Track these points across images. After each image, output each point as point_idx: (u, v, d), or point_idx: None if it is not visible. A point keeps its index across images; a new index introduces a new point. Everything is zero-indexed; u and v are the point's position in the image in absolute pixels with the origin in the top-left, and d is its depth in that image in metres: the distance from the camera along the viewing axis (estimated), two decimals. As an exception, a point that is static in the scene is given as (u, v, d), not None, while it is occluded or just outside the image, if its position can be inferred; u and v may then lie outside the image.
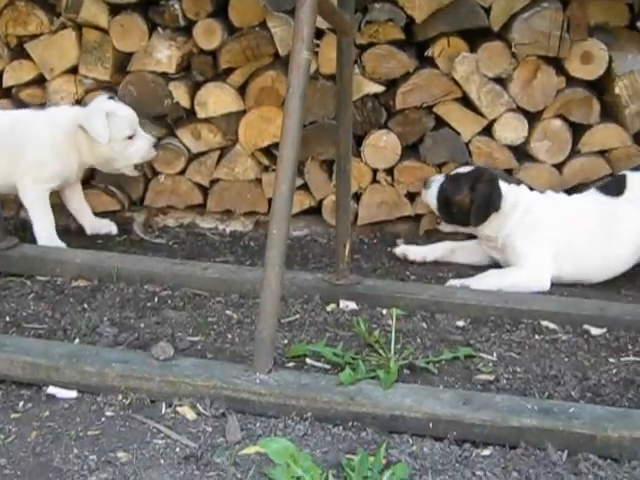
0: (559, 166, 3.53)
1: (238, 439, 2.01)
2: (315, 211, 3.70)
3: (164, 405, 2.12)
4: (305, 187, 3.67)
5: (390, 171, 3.58)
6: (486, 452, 2.01)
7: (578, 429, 2.02)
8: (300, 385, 2.15)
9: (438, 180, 3.30)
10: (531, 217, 3.16)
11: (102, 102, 3.37)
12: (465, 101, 3.53)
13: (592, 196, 3.26)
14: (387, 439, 2.03)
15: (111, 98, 3.42)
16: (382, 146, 3.54)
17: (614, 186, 3.26)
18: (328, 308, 2.83)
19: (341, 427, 2.07)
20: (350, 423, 2.08)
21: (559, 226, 3.16)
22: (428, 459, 1.97)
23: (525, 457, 1.99)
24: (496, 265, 3.27)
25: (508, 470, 1.94)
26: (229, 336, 2.61)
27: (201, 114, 3.65)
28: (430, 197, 3.32)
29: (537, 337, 2.68)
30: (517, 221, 3.16)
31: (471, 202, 3.16)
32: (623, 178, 3.26)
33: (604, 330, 2.73)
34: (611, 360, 2.55)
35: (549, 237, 3.14)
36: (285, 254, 2.20)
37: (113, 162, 3.38)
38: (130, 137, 3.34)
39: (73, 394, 2.18)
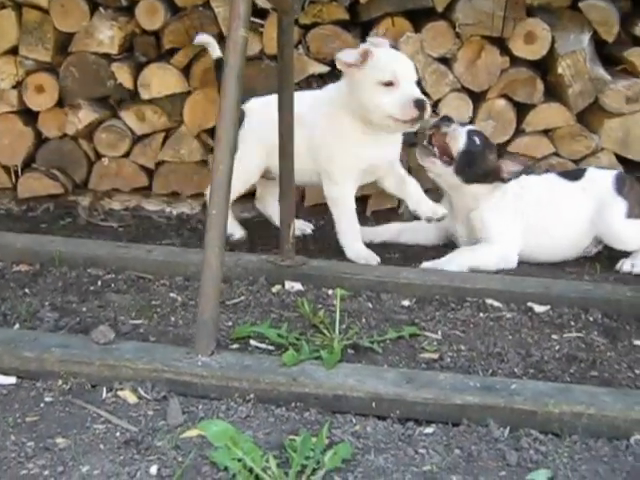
0: (504, 145, 3.54)
1: (180, 422, 1.98)
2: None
3: (105, 390, 2.08)
4: (252, 169, 3.63)
5: (337, 152, 3.55)
6: (429, 430, 2.02)
7: (520, 405, 2.03)
8: (242, 367, 2.14)
9: (462, 125, 3.22)
10: (506, 195, 3.19)
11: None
12: (411, 81, 3.52)
13: (553, 178, 3.29)
14: (330, 419, 2.02)
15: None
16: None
17: (573, 174, 3.30)
18: (273, 289, 2.81)
19: (284, 408, 2.06)
20: (293, 404, 2.07)
21: (528, 205, 3.21)
22: (371, 438, 1.97)
23: (467, 434, 2.00)
24: (451, 245, 3.29)
25: (450, 447, 1.95)
26: (172, 319, 2.58)
27: (145, 95, 3.60)
28: (458, 135, 3.15)
29: (482, 315, 2.69)
30: (497, 197, 3.19)
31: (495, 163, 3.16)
32: (584, 170, 3.30)
33: (548, 307, 2.75)
34: (554, 337, 2.57)
35: (518, 215, 3.18)
36: (225, 235, 2.17)
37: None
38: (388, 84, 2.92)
39: (12, 380, 2.14)
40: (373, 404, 2.04)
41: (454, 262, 3.04)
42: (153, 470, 1.80)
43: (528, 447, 1.95)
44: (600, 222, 3.19)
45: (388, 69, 2.86)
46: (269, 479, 1.77)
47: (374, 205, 3.63)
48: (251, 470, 1.79)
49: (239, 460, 1.80)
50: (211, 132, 3.61)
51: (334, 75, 3.49)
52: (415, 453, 1.92)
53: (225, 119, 2.13)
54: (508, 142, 3.55)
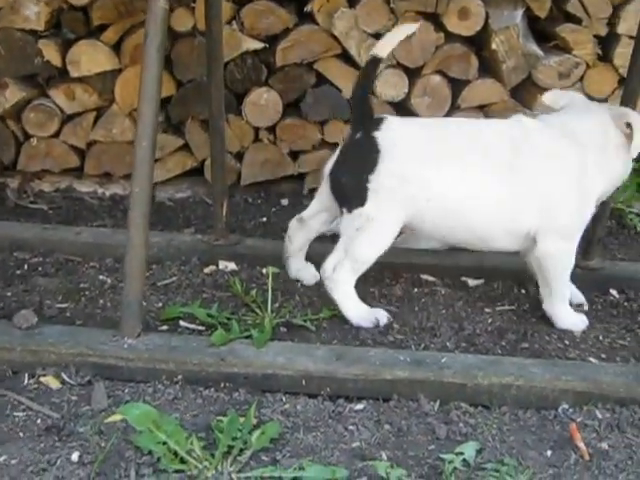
0: (439, 121, 3.53)
1: (104, 407, 1.95)
2: (198, 172, 3.61)
3: (27, 376, 2.04)
4: (186, 147, 3.58)
5: (272, 129, 3.52)
6: (359, 406, 2.01)
7: (449, 378, 2.04)
8: (170, 348, 2.10)
9: None
10: None
11: None
12: (346, 57, 3.49)
13: None
14: (259, 399, 2.00)
15: None
16: (263, 104, 3.47)
17: None
18: (206, 269, 2.77)
19: (213, 389, 2.04)
20: (222, 384, 2.05)
21: None
22: (301, 416, 1.95)
23: (398, 409, 2.00)
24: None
25: (381, 423, 1.95)
26: (101, 302, 2.52)
27: (74, 73, 3.50)
28: None
29: (416, 290, 2.68)
30: None
31: None
32: None
33: (481, 281, 2.75)
34: (487, 310, 2.58)
35: None
36: (149, 214, 2.14)
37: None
38: None
39: None
40: (303, 382, 2.03)
41: None
42: (74, 457, 1.77)
43: (457, 420, 1.96)
44: None
45: None
46: (194, 461, 1.74)
47: (312, 182, 3.59)
48: (176, 453, 1.76)
49: (164, 443, 1.77)
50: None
51: (269, 52, 3.45)
52: (345, 430, 1.91)
53: (146, 93, 2.08)
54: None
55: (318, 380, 2.02)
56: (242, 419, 1.86)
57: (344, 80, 3.47)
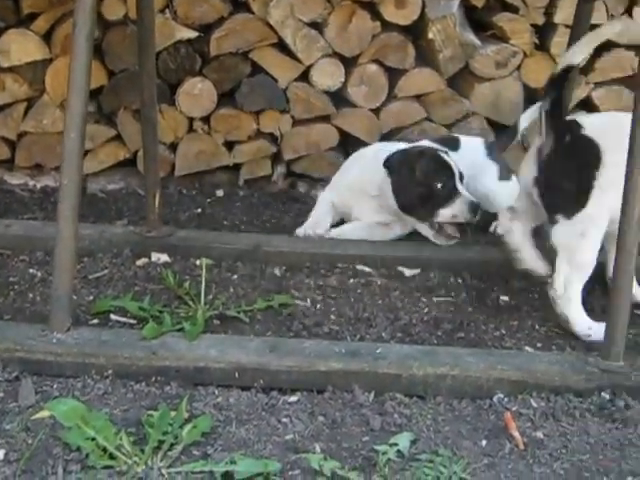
0: (376, 111, 3.52)
1: (32, 403, 1.89)
2: (131, 163, 3.55)
3: (-50, 374, 1.97)
4: (119, 138, 3.51)
5: (207, 119, 3.46)
6: (293, 398, 1.98)
7: (384, 369, 2.02)
8: (100, 342, 2.05)
9: None
10: None
11: None
12: (281, 46, 3.45)
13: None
14: (192, 392, 1.96)
15: None
16: (197, 94, 3.42)
17: (448, 143, 3.27)
18: (139, 262, 2.71)
19: (144, 383, 2.00)
20: (153, 378, 2.01)
21: None
22: (233, 409, 1.92)
23: (332, 400, 1.98)
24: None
25: (314, 415, 1.92)
26: (30, 296, 2.46)
27: (4, 63, 3.40)
28: None
29: (352, 281, 2.67)
30: None
31: None
32: (457, 139, 3.29)
33: (418, 271, 2.75)
34: (423, 300, 2.57)
35: None
36: (79, 206, 2.08)
37: None
38: None
39: None
40: (236, 374, 2.00)
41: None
42: (0, 454, 1.71)
43: (392, 411, 1.95)
44: (475, 186, 3.20)
45: None
46: (123, 457, 1.70)
47: (247, 173, 3.55)
48: (105, 449, 1.71)
49: (92, 439, 1.72)
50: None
51: (203, 41, 3.40)
52: (278, 422, 1.89)
53: (75, 83, 2.03)
54: (380, 108, 3.52)
55: (251, 372, 1.99)
56: (173, 413, 1.82)
57: (280, 69, 3.45)
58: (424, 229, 2.95)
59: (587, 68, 3.57)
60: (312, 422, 1.89)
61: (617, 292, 2.07)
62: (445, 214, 2.88)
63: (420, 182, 2.87)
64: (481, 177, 3.10)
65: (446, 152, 3.03)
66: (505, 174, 3.21)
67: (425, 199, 2.88)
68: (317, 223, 2.99)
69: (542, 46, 3.57)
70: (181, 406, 1.84)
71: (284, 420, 1.89)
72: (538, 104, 3.36)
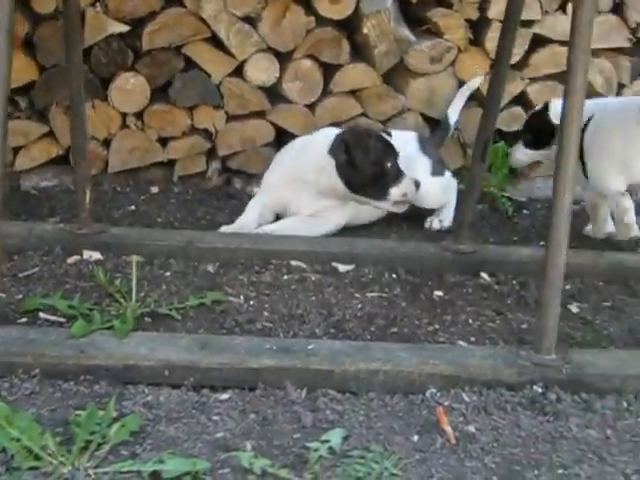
0: (311, 106, 3.51)
1: (-45, 404, 1.83)
2: (64, 160, 3.47)
3: None
4: (52, 135, 3.43)
5: (140, 115, 3.41)
6: (225, 396, 1.96)
7: (316, 365, 2.01)
8: (27, 341, 2.01)
9: None
10: None
11: None
12: (215, 41, 3.42)
13: None
14: (121, 391, 1.93)
15: None
16: (130, 89, 3.36)
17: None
18: (70, 259, 2.66)
19: (72, 382, 1.95)
20: (82, 377, 1.96)
21: None
22: (163, 408, 1.89)
23: (264, 398, 1.96)
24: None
25: (246, 412, 1.90)
26: (-44, 294, 2.39)
27: None
28: None
29: (286, 277, 2.65)
30: None
31: None
32: (389, 132, 3.26)
33: (352, 266, 2.74)
34: (357, 295, 2.57)
35: None
36: (3, 203, 2.02)
37: None
38: None
39: None
40: (166, 372, 1.96)
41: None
42: None
43: (324, 407, 1.93)
44: None
45: None
46: (48, 457, 1.66)
47: (182, 169, 3.51)
48: (30, 450, 1.67)
49: (17, 440, 1.68)
50: None
51: (135, 35, 3.34)
52: (208, 420, 1.86)
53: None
54: (316, 103, 3.51)
55: (181, 370, 1.96)
56: (102, 412, 1.79)
57: (213, 64, 3.41)
58: (382, 205, 2.99)
59: (522, 64, 3.61)
60: (243, 420, 1.87)
61: (547, 286, 2.08)
62: (396, 193, 2.92)
63: (373, 162, 2.90)
64: (413, 171, 3.10)
65: (389, 133, 3.06)
66: (438, 169, 3.23)
67: (377, 178, 2.91)
68: (242, 228, 2.96)
69: (476, 41, 3.59)
70: (109, 405, 1.80)
71: (215, 418, 1.87)
72: (461, 95, 3.42)
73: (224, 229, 2.95)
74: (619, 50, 3.78)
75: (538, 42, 3.60)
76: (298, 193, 3.01)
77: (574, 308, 2.60)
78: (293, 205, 3.05)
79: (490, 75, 2.68)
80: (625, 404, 2.04)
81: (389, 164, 2.93)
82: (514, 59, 3.63)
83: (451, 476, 1.74)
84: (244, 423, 1.86)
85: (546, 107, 3.16)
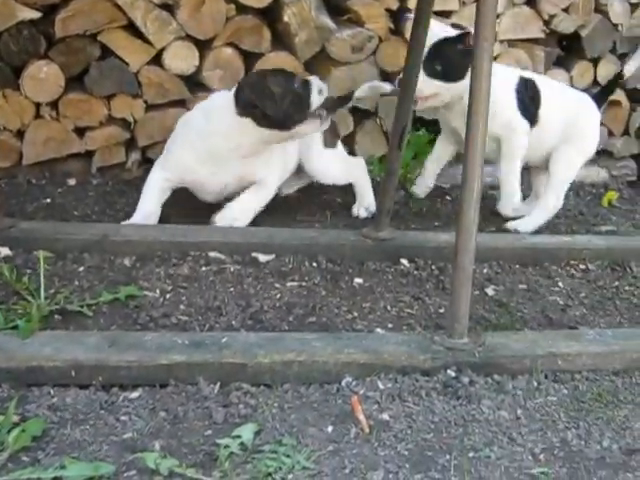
0: (232, 95, 3.44)
1: None
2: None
3: None
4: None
5: (55, 105, 3.31)
6: (135, 394, 1.91)
7: (229, 359, 1.97)
8: None
9: None
10: None
11: None
12: (132, 29, 3.33)
13: None
14: (25, 394, 1.86)
15: None
16: (43, 77, 3.26)
17: None
18: (-23, 256, 2.57)
19: (-28, 387, 1.88)
20: (-17, 381, 1.89)
21: None
22: (69, 409, 1.83)
23: (175, 394, 1.91)
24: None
25: (156, 411, 1.85)
26: None
27: None
28: None
29: (204, 269, 2.60)
30: None
31: None
32: None
33: (272, 256, 2.70)
34: (277, 286, 2.53)
35: None
36: None
37: None
38: None
39: None
40: (72, 373, 1.90)
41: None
42: None
43: (237, 402, 1.90)
44: (302, 154, 3.16)
45: None
46: (-57, 468, 1.59)
47: (100, 160, 3.42)
48: None
49: None
50: None
51: (48, 21, 3.24)
52: (116, 421, 1.81)
53: None
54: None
55: (89, 370, 1.90)
56: (1, 417, 1.72)
57: (131, 53, 3.34)
58: (310, 128, 2.91)
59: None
60: (153, 419, 1.82)
61: (459, 271, 2.08)
62: (315, 98, 2.86)
63: (280, 86, 2.83)
64: (305, 143, 3.09)
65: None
66: (330, 141, 3.19)
67: (292, 98, 2.83)
68: (147, 219, 2.88)
69: (397, 31, 3.58)
70: (9, 410, 1.73)
71: (123, 418, 1.81)
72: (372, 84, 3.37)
73: (124, 223, 2.86)
74: (534, 41, 3.86)
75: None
76: (220, 168, 2.91)
77: (490, 291, 2.61)
78: (209, 177, 2.93)
79: (404, 64, 2.65)
80: (536, 383, 2.06)
81: (294, 84, 2.84)
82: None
83: (363, 466, 1.72)
84: (153, 422, 1.81)
85: (460, 38, 2.98)
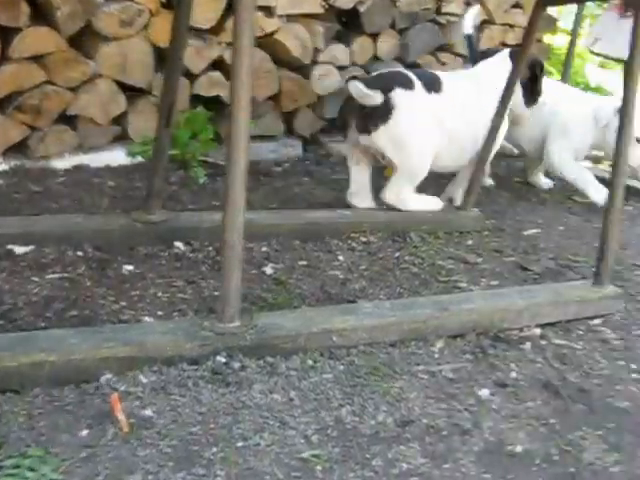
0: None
1: None
2: None
3: None
4: None
5: None
6: None
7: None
8: None
9: None
10: None
11: None
12: None
13: None
14: None
15: None
16: None
17: None
18: None
19: None
20: None
21: None
22: None
23: None
24: None
25: None
26: None
27: None
28: None
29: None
30: None
31: None
32: None
33: (31, 247, 2.47)
34: (35, 279, 2.31)
35: None
36: None
37: None
38: None
39: None
40: None
41: None
42: None
43: (-22, 413, 1.68)
44: None
45: None
46: None
47: None
48: None
49: None
50: None
51: None
52: None
53: None
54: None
55: None
56: None
57: None
58: None
59: (218, 28, 3.48)
60: None
61: (228, 250, 1.95)
62: None
63: None
64: None
65: None
66: None
67: None
68: None
69: (169, 5, 3.41)
70: None
71: None
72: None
73: None
74: (313, 16, 3.81)
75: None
76: None
77: (269, 269, 2.51)
78: None
79: (170, 39, 2.50)
80: (311, 362, 1.98)
81: None
82: (210, 24, 3.52)
83: (120, 470, 1.56)
84: None
85: None
